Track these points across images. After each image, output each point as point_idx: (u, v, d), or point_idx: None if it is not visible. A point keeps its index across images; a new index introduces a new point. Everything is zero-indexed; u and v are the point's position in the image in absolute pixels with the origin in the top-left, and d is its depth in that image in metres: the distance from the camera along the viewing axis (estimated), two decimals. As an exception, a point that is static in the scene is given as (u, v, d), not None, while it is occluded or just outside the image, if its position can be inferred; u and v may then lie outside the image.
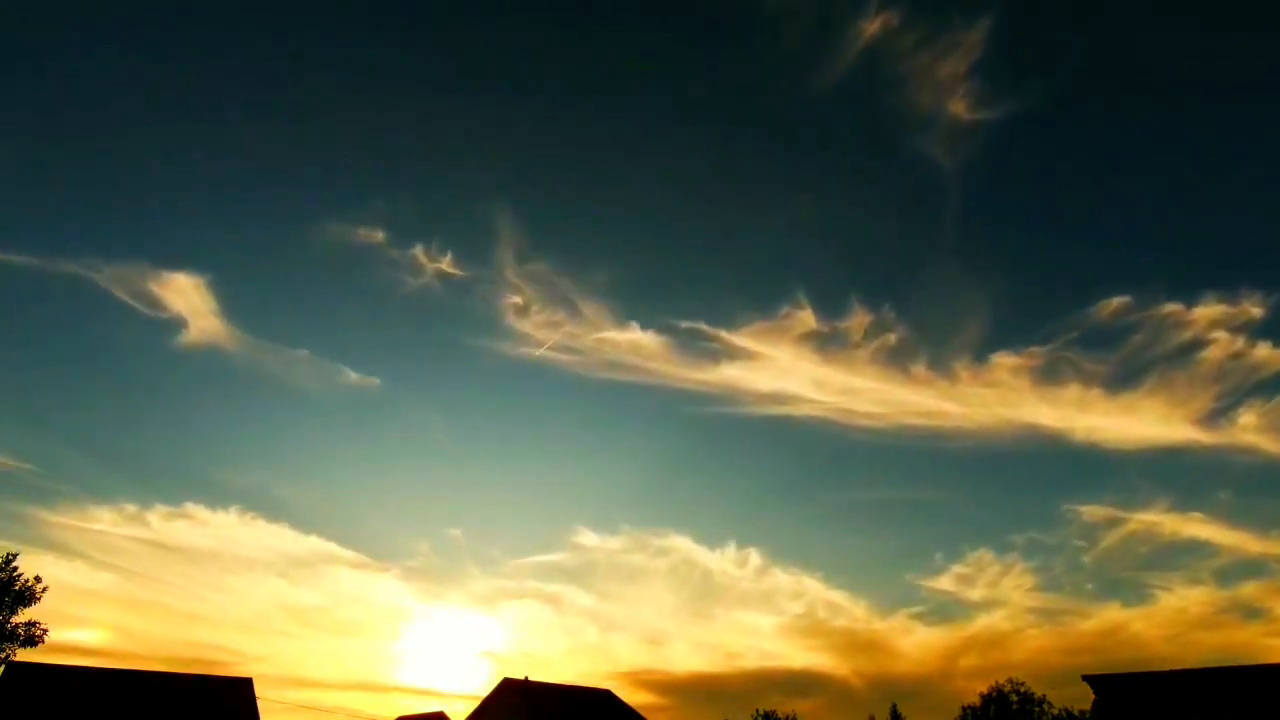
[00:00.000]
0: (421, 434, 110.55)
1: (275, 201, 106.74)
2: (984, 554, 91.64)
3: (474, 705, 46.06)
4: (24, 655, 33.62)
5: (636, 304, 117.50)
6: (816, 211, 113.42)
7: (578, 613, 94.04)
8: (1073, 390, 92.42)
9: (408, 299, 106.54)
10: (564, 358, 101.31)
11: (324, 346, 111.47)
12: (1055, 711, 50.13)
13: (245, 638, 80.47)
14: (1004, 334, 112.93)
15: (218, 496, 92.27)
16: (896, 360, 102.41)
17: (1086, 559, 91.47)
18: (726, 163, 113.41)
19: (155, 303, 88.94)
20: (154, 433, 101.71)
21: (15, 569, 34.25)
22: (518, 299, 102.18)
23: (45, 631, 34.07)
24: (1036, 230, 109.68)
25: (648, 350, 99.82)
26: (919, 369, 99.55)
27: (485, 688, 47.57)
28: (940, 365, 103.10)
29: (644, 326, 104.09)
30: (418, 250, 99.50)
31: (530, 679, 45.42)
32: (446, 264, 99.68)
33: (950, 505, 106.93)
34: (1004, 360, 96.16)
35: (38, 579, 34.40)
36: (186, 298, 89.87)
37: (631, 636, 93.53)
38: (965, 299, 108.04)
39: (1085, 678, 31.14)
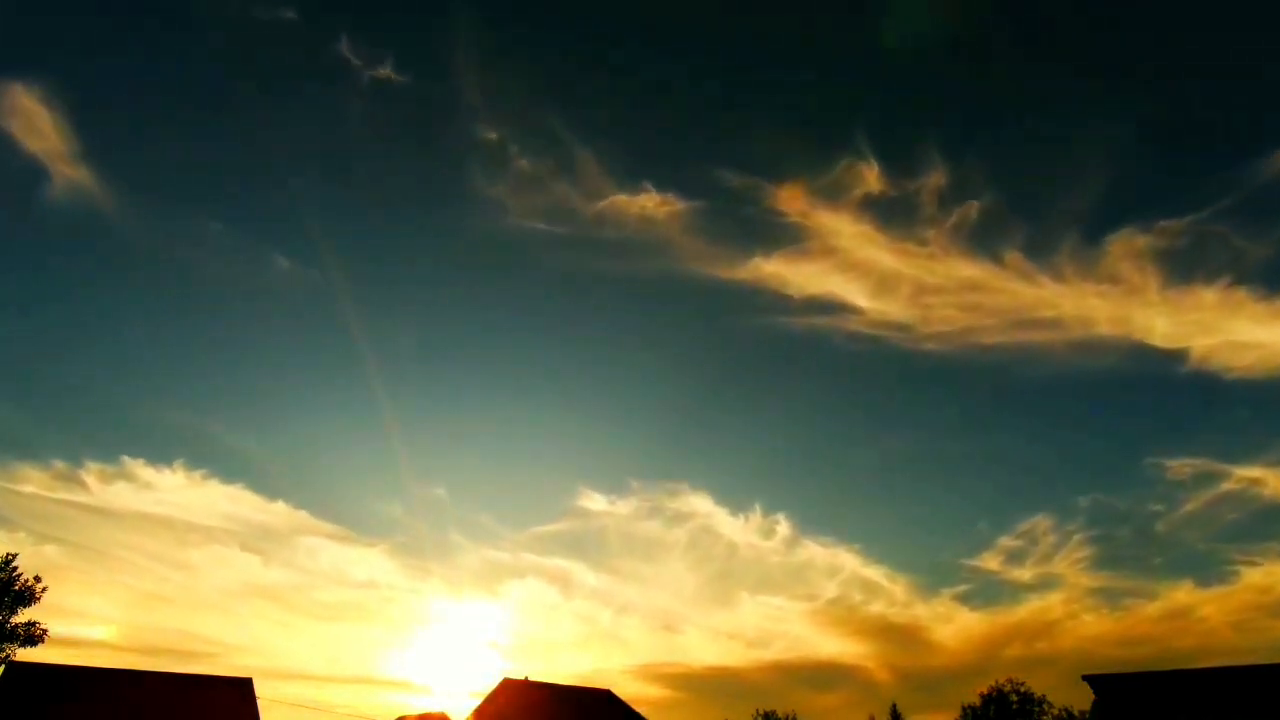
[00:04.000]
0: (381, 348, 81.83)
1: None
2: (1041, 521, 77.80)
3: (473, 699, 46.21)
4: (24, 655, 33.67)
5: (649, 151, 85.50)
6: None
7: (587, 594, 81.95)
8: (1211, 290, 67.37)
9: (341, 131, 76.36)
10: (558, 231, 74.34)
11: (237, 214, 78.78)
12: (1055, 711, 50.24)
13: (219, 623, 71.06)
14: (1132, 199, 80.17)
15: (155, 447, 77.01)
16: (982, 240, 76.46)
17: (1160, 527, 75.80)
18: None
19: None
20: (53, 352, 74.43)
21: (15, 569, 34.28)
22: (490, 134, 75.00)
23: (45, 631, 34.10)
24: (1200, 21, 70.79)
25: (664, 224, 74.31)
26: (1011, 254, 73.10)
27: (486, 680, 47.51)
28: (1039, 248, 76.48)
29: (660, 185, 76.45)
30: (344, 46, 70.24)
31: (530, 679, 45.74)
32: (388, 71, 71.82)
33: (1014, 457, 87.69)
34: (1125, 242, 70.73)
35: (37, 579, 34.46)
36: (34, 127, 63.19)
37: (646, 623, 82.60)
38: (1083, 139, 74.21)
39: (1085, 678, 31.17)
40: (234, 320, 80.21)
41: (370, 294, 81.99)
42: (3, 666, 32.46)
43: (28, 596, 34.08)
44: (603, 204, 72.47)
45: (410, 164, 79.36)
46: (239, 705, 36.18)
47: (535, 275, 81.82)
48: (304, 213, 76.41)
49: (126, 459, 70.38)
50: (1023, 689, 51.82)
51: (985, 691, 52.80)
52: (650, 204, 71.87)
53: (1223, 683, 28.39)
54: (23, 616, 33.91)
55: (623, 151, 79.41)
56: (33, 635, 33.70)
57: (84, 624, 58.46)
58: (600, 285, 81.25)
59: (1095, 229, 75.93)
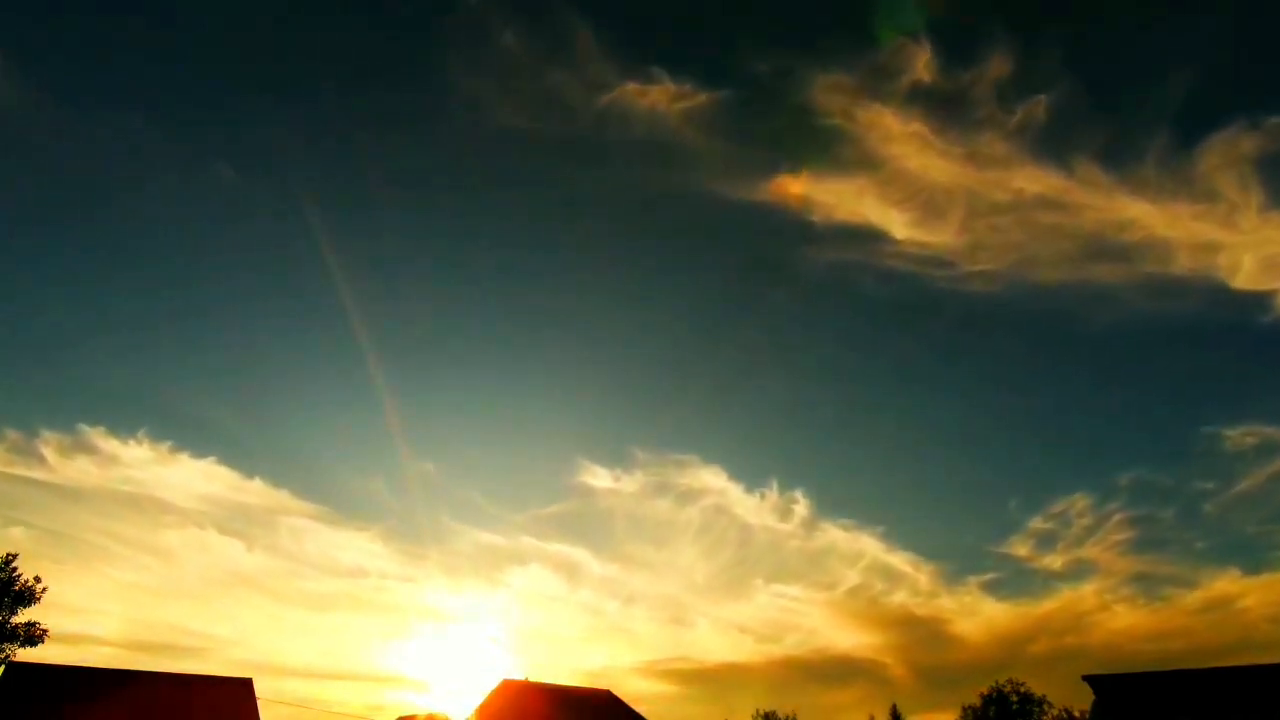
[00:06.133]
0: (350, 282, 69.05)
1: None
2: (1078, 500, 71.18)
3: (475, 696, 46.26)
4: (24, 655, 33.65)
5: (662, 25, 70.53)
6: None
7: (594, 584, 76.95)
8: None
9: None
10: (552, 131, 60.99)
11: (154, 100, 58.62)
12: (1055, 712, 50.24)
13: (206, 615, 66.40)
14: (1236, 88, 64.13)
15: (115, 412, 69.07)
16: (1050, 145, 62.42)
17: (1208, 507, 68.33)
18: None
19: None
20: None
21: (15, 569, 34.29)
22: None
23: (45, 631, 34.10)
24: None
25: (678, 125, 62.09)
26: (1085, 163, 60.22)
27: (487, 676, 47.59)
28: (1119, 155, 63.01)
29: (675, 72, 63.91)
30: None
31: (529, 679, 45.75)
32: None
33: (1056, 423, 79.16)
34: (1225, 145, 57.33)
35: (37, 579, 34.48)
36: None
37: (655, 615, 77.70)
38: (1177, 11, 59.51)
39: (1085, 678, 31.19)
40: (171, 253, 64.40)
41: (328, 213, 66.44)
42: (3, 667, 32.48)
43: (28, 596, 34.10)
44: (607, 98, 60.58)
45: (370, 35, 61.62)
46: (239, 705, 36.20)
47: (525, 194, 67.69)
48: (244, 106, 59.18)
49: (84, 427, 63.51)
50: (1023, 689, 51.90)
51: (985, 692, 52.92)
52: (663, 98, 59.72)
53: (1223, 683, 28.39)
54: (23, 617, 33.98)
55: (630, 25, 62.70)
56: (33, 635, 33.73)
57: (66, 617, 53.75)
58: (600, 207, 67.34)
59: (1189, 128, 61.60)
